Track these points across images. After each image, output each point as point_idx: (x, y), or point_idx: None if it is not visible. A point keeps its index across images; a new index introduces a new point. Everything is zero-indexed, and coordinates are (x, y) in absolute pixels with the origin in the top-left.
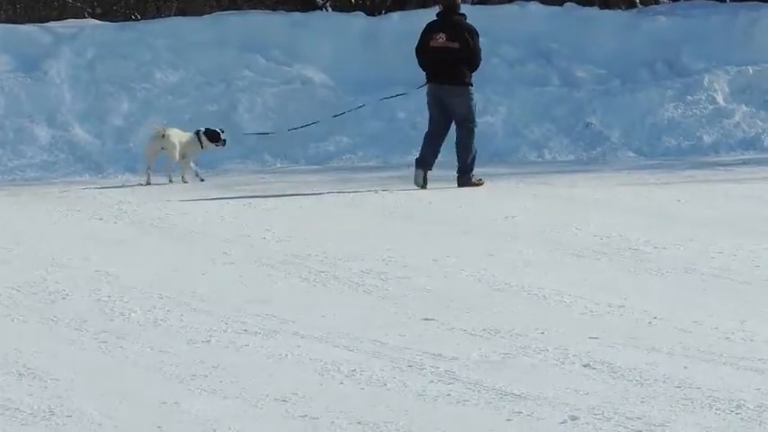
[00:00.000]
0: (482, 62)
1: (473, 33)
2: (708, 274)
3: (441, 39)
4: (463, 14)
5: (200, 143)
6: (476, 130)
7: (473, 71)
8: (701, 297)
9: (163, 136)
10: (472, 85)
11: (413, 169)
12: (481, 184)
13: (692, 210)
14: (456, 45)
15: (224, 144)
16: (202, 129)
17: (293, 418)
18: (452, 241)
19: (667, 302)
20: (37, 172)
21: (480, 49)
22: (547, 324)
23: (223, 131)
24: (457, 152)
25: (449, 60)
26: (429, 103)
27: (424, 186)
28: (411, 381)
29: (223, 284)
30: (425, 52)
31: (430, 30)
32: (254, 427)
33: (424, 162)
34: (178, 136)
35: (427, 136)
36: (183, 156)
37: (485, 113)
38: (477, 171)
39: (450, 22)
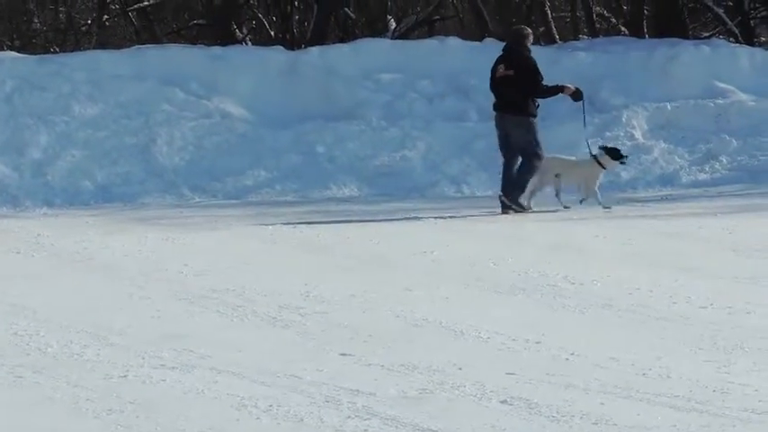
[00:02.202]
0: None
1: (528, 64)
2: (625, 310)
3: (501, 69)
4: (527, 48)
5: (601, 164)
6: (535, 161)
7: (529, 99)
8: (618, 333)
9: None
10: (534, 116)
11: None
12: (526, 210)
13: (610, 246)
14: (511, 72)
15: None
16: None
17: None
18: (371, 276)
19: (585, 338)
20: None
21: (537, 79)
22: (464, 360)
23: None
24: (512, 174)
25: (509, 91)
26: (497, 133)
27: (516, 206)
28: (328, 416)
29: (140, 319)
30: (492, 84)
31: (495, 62)
32: None
33: (504, 191)
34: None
35: (502, 165)
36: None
37: (402, 148)
38: (396, 206)
39: (510, 53)
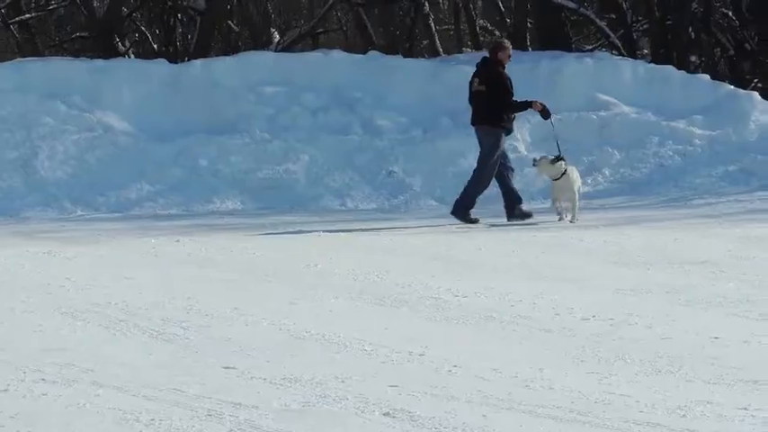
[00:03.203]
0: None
1: (498, 79)
2: (508, 321)
3: (475, 83)
4: (501, 63)
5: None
6: (485, 170)
7: (503, 111)
8: (500, 345)
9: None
10: (501, 128)
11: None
12: (475, 222)
13: (493, 257)
14: (483, 88)
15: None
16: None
17: None
18: (254, 289)
19: (467, 350)
20: None
21: (505, 96)
22: (347, 372)
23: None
24: (508, 186)
25: (481, 105)
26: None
27: (521, 218)
28: (210, 430)
29: (22, 333)
30: (469, 97)
31: (472, 76)
32: None
33: (505, 203)
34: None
35: (497, 180)
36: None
37: (286, 161)
38: (280, 219)
39: (485, 68)
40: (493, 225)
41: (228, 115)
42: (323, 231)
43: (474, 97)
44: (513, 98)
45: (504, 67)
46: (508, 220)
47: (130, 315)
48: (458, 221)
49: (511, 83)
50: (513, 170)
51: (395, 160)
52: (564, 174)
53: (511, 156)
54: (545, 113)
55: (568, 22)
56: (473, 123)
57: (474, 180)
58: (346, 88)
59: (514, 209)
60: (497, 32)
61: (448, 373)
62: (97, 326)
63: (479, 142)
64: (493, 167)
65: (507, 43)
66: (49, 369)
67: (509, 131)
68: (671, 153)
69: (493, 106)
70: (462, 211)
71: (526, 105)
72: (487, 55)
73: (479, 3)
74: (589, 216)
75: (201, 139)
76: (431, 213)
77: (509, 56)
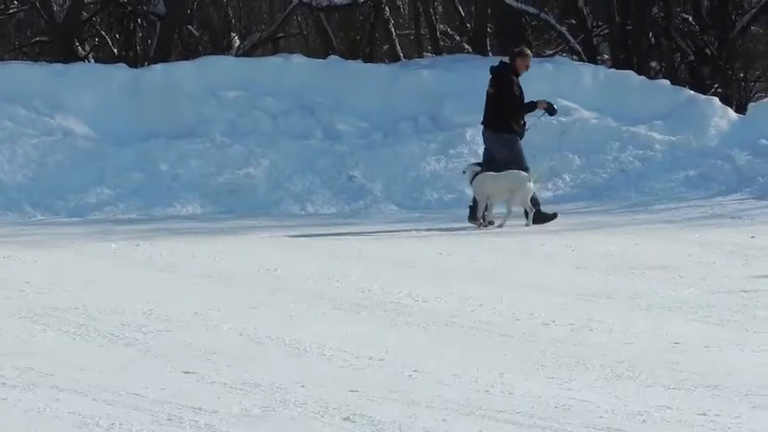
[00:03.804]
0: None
1: (506, 85)
2: (468, 326)
3: (488, 86)
4: (514, 69)
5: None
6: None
7: (507, 117)
8: (461, 350)
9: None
10: (514, 133)
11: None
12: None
13: (454, 262)
14: (492, 91)
15: None
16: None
17: None
18: (214, 294)
19: (428, 355)
20: None
21: (512, 96)
22: (307, 377)
23: None
24: None
25: (491, 109)
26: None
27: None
28: None
29: None
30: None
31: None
32: None
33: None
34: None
35: None
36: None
37: (246, 166)
38: (240, 223)
39: (498, 73)
40: (452, 230)
41: (189, 120)
42: (283, 236)
43: (486, 100)
44: (521, 102)
45: (517, 75)
46: (469, 221)
47: (90, 319)
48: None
49: (521, 90)
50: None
51: (355, 165)
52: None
53: (472, 161)
54: (551, 110)
55: (529, 27)
56: (482, 124)
57: None
58: (307, 93)
59: (476, 213)
60: (457, 37)
61: (408, 378)
62: (57, 330)
63: (485, 145)
64: (524, 167)
65: (529, 52)
66: (9, 373)
67: (519, 136)
68: (631, 158)
69: (500, 111)
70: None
71: (532, 106)
72: (505, 59)
73: (440, 8)
74: (550, 222)
75: (161, 144)
76: (391, 218)
77: (527, 66)
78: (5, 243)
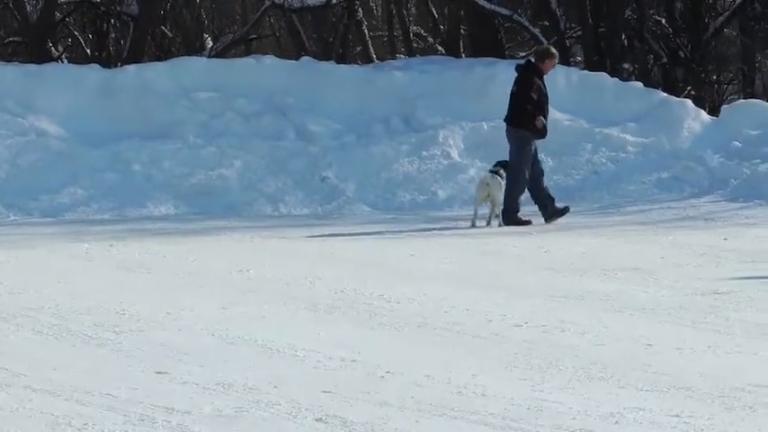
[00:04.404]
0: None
1: (524, 84)
2: (441, 328)
3: (512, 86)
4: (537, 68)
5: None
6: (517, 172)
7: (526, 115)
8: (433, 351)
9: (488, 184)
10: (526, 129)
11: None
12: (527, 223)
13: (426, 264)
14: (514, 89)
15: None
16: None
17: None
18: (187, 294)
19: (400, 356)
20: None
21: (527, 96)
22: (280, 378)
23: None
24: (540, 187)
25: (510, 104)
26: None
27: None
28: None
29: None
30: None
31: None
32: None
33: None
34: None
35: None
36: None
37: (219, 167)
38: (213, 224)
39: (522, 71)
40: (426, 231)
41: (162, 120)
42: (256, 237)
43: (510, 98)
44: (537, 108)
45: (542, 75)
46: (547, 222)
47: (63, 320)
48: (509, 227)
49: (541, 91)
50: (543, 172)
51: (328, 166)
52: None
53: (444, 162)
54: (539, 132)
55: (502, 29)
56: (504, 121)
57: (508, 185)
58: (279, 94)
59: (548, 209)
60: (430, 39)
61: (380, 379)
62: (30, 330)
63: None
64: (522, 168)
65: (555, 52)
66: None
67: (540, 135)
68: (604, 160)
69: (518, 108)
70: (510, 216)
71: (532, 117)
72: (532, 59)
73: (413, 9)
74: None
75: (135, 145)
76: (364, 219)
77: (554, 65)
78: None
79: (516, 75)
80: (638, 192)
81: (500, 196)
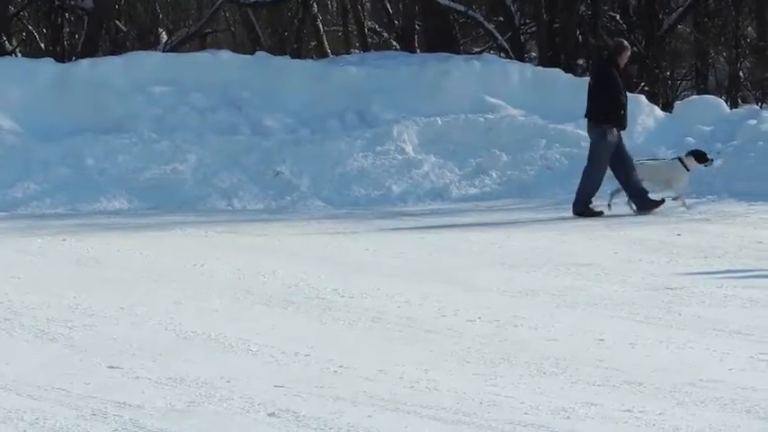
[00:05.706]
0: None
1: (600, 78)
2: (394, 322)
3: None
4: (614, 62)
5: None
6: (594, 166)
7: (604, 110)
8: (387, 346)
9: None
10: (607, 123)
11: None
12: (599, 214)
13: (380, 259)
14: (592, 83)
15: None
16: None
17: None
18: (140, 289)
19: (353, 351)
20: None
21: (611, 87)
22: (233, 372)
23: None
24: (631, 182)
25: (588, 99)
26: None
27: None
28: (95, 429)
29: None
30: None
31: None
32: None
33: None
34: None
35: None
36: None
37: (173, 161)
38: (167, 219)
39: (598, 66)
40: (379, 227)
41: (116, 115)
42: (210, 231)
43: (588, 93)
44: (620, 100)
45: (618, 68)
46: (639, 213)
47: (15, 314)
48: (579, 218)
49: (618, 82)
50: (631, 162)
51: (282, 161)
52: None
53: (399, 157)
54: (623, 124)
55: (456, 24)
56: (584, 117)
57: (583, 178)
58: (234, 88)
59: (642, 200)
60: (385, 34)
61: (333, 374)
62: None
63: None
64: (600, 163)
65: (629, 45)
66: None
67: (621, 127)
68: (558, 156)
69: (597, 102)
70: (582, 207)
71: (618, 107)
72: (606, 53)
73: (367, 4)
74: (477, 218)
75: (88, 139)
76: (318, 214)
77: (627, 57)
78: None
79: (594, 69)
80: None
81: (680, 185)
